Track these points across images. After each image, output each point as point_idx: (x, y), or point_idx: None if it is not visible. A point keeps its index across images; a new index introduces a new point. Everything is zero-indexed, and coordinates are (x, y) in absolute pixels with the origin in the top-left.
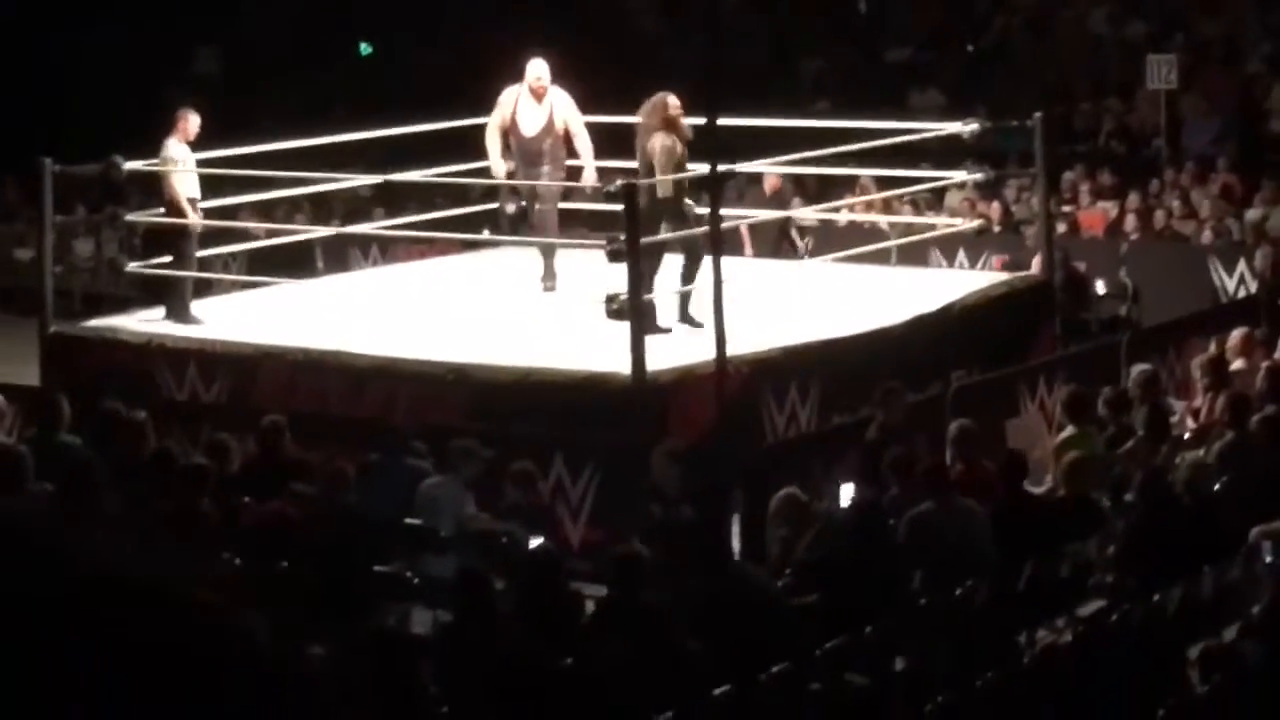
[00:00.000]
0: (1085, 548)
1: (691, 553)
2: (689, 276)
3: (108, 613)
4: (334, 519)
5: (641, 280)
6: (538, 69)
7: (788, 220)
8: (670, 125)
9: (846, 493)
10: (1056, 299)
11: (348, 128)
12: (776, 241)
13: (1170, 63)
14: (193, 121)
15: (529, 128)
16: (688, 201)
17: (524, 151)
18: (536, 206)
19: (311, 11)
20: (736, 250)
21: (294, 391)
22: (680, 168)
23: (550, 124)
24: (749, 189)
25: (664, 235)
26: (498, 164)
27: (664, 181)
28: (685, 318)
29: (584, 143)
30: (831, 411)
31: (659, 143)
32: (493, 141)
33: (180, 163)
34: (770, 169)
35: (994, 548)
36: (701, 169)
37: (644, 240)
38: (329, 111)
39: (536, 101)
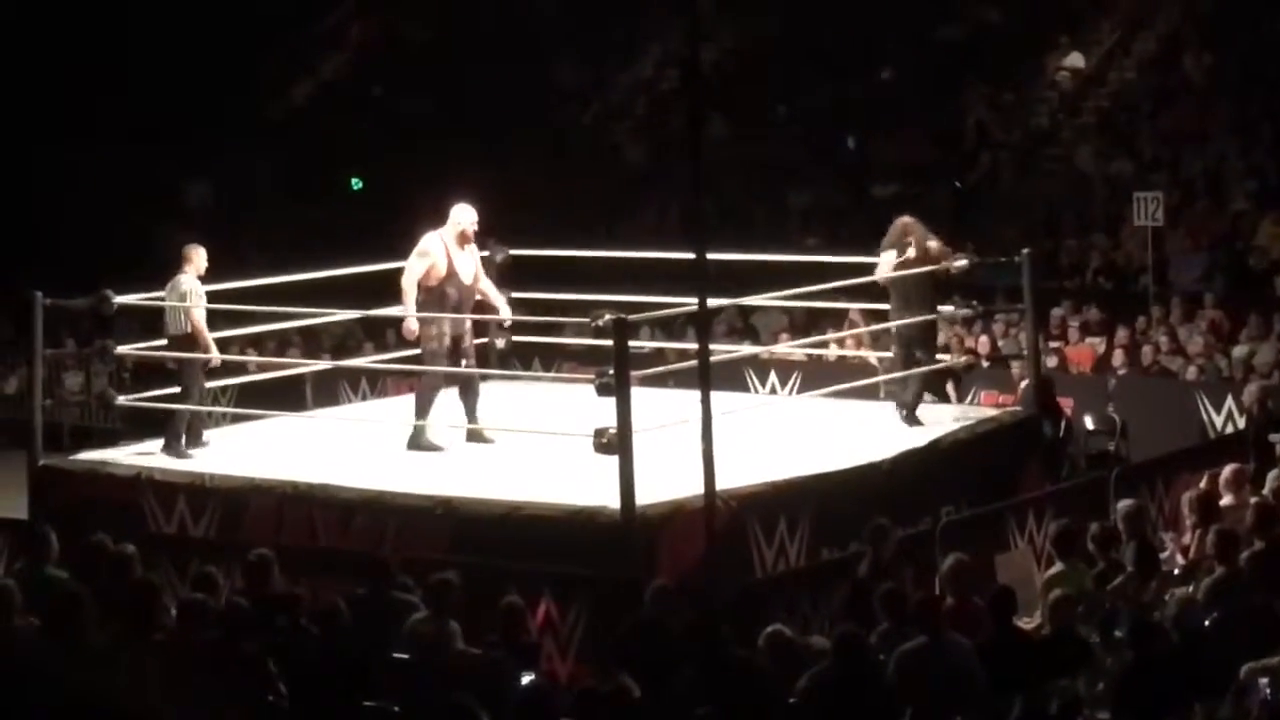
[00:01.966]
0: (1074, 684)
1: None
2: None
3: None
4: (329, 654)
5: (630, 414)
6: (473, 215)
7: None
8: (908, 232)
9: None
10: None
11: (336, 262)
12: None
13: (1156, 199)
14: (201, 255)
15: (467, 275)
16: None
17: (463, 299)
18: (464, 363)
19: (301, 146)
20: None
21: (282, 525)
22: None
23: (478, 270)
24: None
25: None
26: (414, 317)
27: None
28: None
29: (490, 285)
30: (820, 546)
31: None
32: (414, 291)
33: (196, 296)
34: (765, 302)
35: (984, 684)
36: (691, 303)
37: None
38: (318, 245)
39: (461, 248)
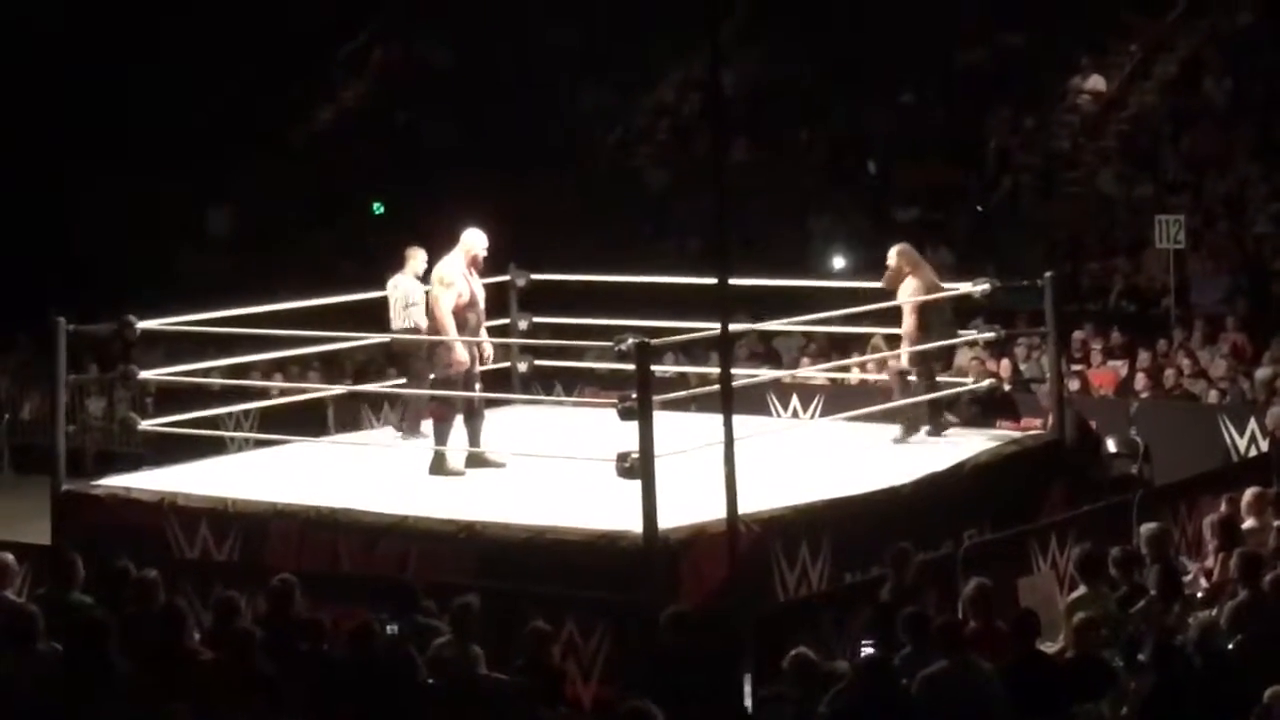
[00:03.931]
0: (1098, 708)
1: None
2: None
3: None
4: (359, 676)
5: (653, 438)
6: (484, 239)
7: None
8: (916, 266)
9: (867, 652)
10: (1071, 457)
11: (358, 287)
12: None
13: (1178, 222)
14: (420, 257)
15: (481, 299)
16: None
17: (480, 324)
18: (477, 387)
19: (324, 171)
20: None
21: (305, 550)
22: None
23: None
24: None
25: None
26: (463, 350)
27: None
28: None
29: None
30: (843, 570)
31: (911, 287)
32: (453, 321)
33: (414, 296)
34: (787, 327)
35: (1007, 707)
36: (713, 327)
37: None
38: (340, 270)
39: (472, 273)
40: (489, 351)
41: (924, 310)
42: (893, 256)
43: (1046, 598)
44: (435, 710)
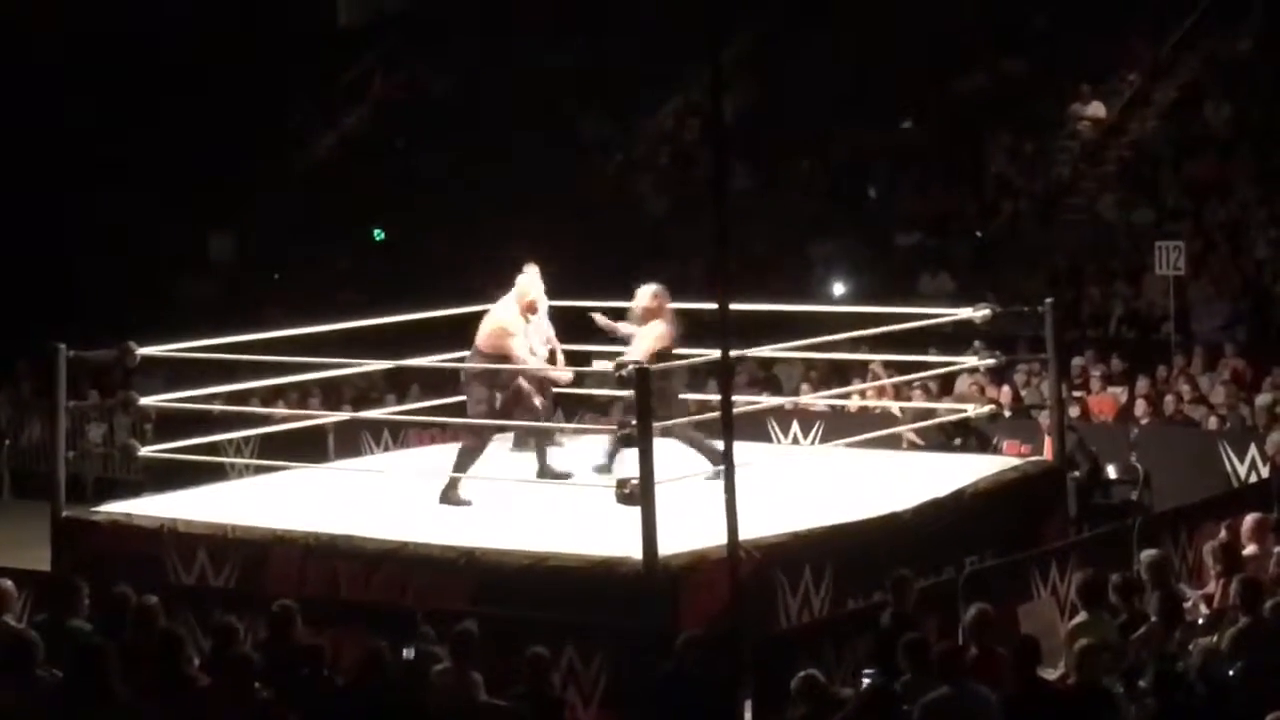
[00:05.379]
0: None
1: None
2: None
3: None
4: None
5: (653, 464)
6: (539, 283)
7: None
8: (654, 314)
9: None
10: (1075, 483)
11: (359, 313)
12: None
13: (1178, 248)
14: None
15: (539, 340)
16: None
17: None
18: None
19: (324, 198)
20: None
21: (304, 576)
22: (667, 353)
23: (541, 334)
24: None
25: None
26: (565, 372)
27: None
28: None
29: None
30: (845, 596)
31: (657, 331)
32: (526, 352)
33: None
34: (787, 354)
35: None
36: (713, 353)
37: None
38: (340, 296)
39: (527, 320)
40: (566, 377)
41: (660, 358)
42: (647, 296)
43: (1047, 624)
44: None
